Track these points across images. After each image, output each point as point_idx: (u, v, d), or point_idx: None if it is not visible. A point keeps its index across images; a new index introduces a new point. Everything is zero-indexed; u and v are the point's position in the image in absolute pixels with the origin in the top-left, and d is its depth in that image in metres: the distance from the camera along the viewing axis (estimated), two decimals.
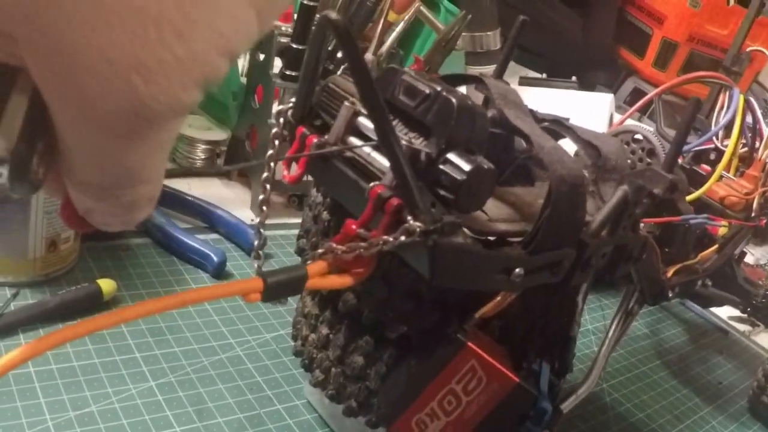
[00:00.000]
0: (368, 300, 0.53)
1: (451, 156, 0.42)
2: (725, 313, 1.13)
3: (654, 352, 0.98)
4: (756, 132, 0.89)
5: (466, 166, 0.42)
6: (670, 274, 0.72)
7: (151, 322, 0.73)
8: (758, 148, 0.88)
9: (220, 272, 0.83)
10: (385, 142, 0.39)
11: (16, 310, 0.68)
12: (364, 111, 0.46)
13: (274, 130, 0.48)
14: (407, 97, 0.45)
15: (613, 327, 0.70)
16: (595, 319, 1.01)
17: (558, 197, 0.46)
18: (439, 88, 0.43)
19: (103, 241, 0.83)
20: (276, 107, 0.94)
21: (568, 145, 0.62)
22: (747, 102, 0.85)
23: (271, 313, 0.80)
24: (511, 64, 0.99)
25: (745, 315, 0.96)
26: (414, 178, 0.39)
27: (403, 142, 0.42)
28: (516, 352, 0.55)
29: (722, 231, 0.86)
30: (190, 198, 0.92)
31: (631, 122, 1.15)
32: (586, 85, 1.38)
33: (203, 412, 0.65)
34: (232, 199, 1.01)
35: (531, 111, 0.64)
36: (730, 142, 0.84)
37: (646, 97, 0.90)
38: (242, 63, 1.05)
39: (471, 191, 0.42)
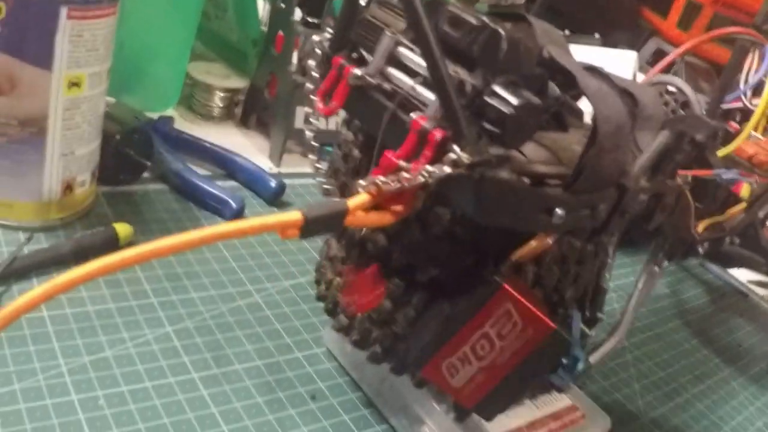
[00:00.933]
0: (400, 241, 0.51)
1: (498, 89, 0.40)
2: (745, 276, 1.12)
3: (675, 311, 0.97)
4: None
5: (514, 100, 0.40)
6: (700, 229, 0.70)
7: (168, 267, 0.72)
8: None
9: (238, 219, 0.81)
10: (433, 68, 0.37)
11: (30, 253, 0.67)
12: (405, 41, 0.44)
13: (311, 61, 0.47)
14: (452, 28, 0.43)
15: (642, 280, 0.68)
16: (615, 277, 0.99)
17: (603, 136, 0.44)
18: (486, 20, 0.42)
19: (119, 185, 0.82)
20: (296, 55, 0.92)
21: None
22: None
23: (290, 261, 0.79)
24: None
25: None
26: (462, 108, 0.37)
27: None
28: (550, 299, 0.53)
29: (745, 192, 0.85)
30: (208, 145, 0.91)
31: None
32: (608, 45, 1.35)
33: (221, 358, 0.64)
34: (250, 148, 0.99)
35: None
36: (762, 101, 0.81)
37: (670, 56, 0.87)
38: (263, 10, 1.02)
39: (518, 126, 0.40)
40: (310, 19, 0.92)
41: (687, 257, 0.69)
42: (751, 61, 0.89)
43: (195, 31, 0.98)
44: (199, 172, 0.85)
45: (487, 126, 0.40)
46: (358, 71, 0.44)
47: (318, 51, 0.46)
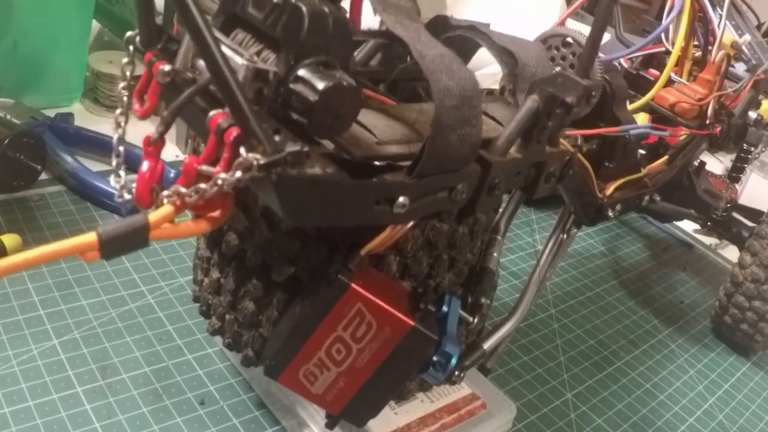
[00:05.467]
0: (250, 240, 0.47)
1: (303, 72, 0.36)
2: (689, 226, 1.08)
3: (610, 271, 0.93)
4: (709, 32, 0.82)
5: (320, 84, 0.35)
6: (610, 190, 0.66)
7: (58, 275, 0.68)
8: (712, 50, 0.81)
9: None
10: (205, 55, 0.33)
11: None
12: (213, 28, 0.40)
13: (125, 59, 0.42)
14: (256, 9, 0.39)
15: (546, 253, 0.65)
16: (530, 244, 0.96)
17: (442, 111, 0.40)
18: None
19: (14, 192, 0.77)
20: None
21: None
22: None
23: (188, 255, 0.75)
24: None
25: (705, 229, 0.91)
26: (248, 102, 0.33)
27: (242, 61, 0.36)
28: (424, 287, 0.50)
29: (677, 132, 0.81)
30: (107, 138, 0.86)
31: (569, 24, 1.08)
32: None
33: (107, 368, 0.60)
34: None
35: (444, 18, 0.58)
36: (676, 43, 0.76)
37: None
38: None
39: (328, 113, 0.36)
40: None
41: (596, 222, 0.65)
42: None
43: (91, 18, 0.93)
44: (95, 170, 0.81)
45: (296, 116, 0.36)
46: (166, 67, 0.39)
47: (129, 47, 0.42)
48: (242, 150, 0.33)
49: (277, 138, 0.34)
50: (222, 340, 0.54)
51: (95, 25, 1.04)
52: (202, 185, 0.35)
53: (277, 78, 0.37)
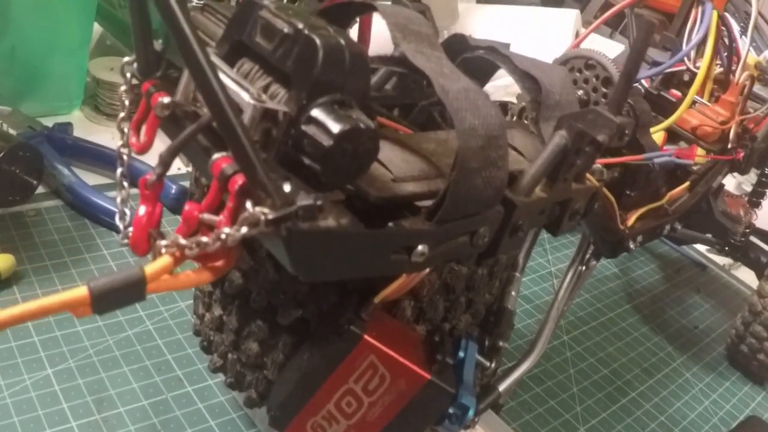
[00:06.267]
0: (255, 280, 0.44)
1: (316, 113, 0.33)
2: (702, 246, 1.05)
3: (623, 294, 0.90)
4: (733, 52, 0.79)
5: (336, 127, 0.32)
6: (632, 221, 0.63)
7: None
8: (735, 70, 0.78)
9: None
10: (209, 101, 0.30)
11: None
12: (216, 57, 0.37)
13: (122, 87, 0.39)
14: (264, 38, 0.35)
15: (564, 286, 0.62)
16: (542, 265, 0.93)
17: (467, 153, 0.37)
18: (300, 25, 0.34)
19: (9, 206, 0.74)
20: None
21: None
22: (721, 18, 0.74)
23: None
24: None
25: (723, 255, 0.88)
26: (254, 148, 0.30)
27: (249, 99, 0.33)
28: (439, 331, 0.47)
29: (700, 158, 0.78)
30: (108, 151, 0.83)
31: (588, 46, 1.06)
32: (553, 1, 1.27)
33: (103, 401, 0.58)
34: (160, 147, 0.91)
35: (462, 38, 0.55)
36: (703, 63, 0.74)
37: (615, 8, 0.80)
38: None
39: (343, 158, 0.33)
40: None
41: (617, 254, 0.62)
42: (695, 18, 0.81)
43: (92, 23, 0.90)
44: (93, 184, 0.78)
45: (308, 162, 0.33)
46: (166, 99, 0.36)
47: (127, 74, 0.39)
48: (248, 203, 0.30)
49: (287, 187, 0.31)
50: (224, 378, 0.52)
51: (97, 28, 1.01)
52: (204, 238, 0.32)
53: (288, 118, 0.34)
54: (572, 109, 0.50)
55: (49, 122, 0.84)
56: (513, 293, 0.53)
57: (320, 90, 0.33)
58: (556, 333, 0.78)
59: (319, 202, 0.31)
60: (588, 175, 0.50)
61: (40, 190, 0.77)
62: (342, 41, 0.34)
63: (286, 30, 0.34)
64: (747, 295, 0.78)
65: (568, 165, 0.45)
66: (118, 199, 0.39)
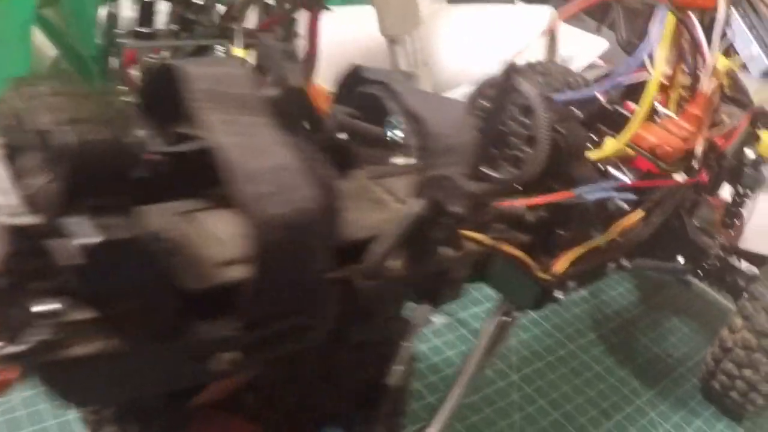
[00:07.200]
0: None
1: (70, 223, 0.28)
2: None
3: (590, 322, 0.83)
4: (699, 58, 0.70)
5: (86, 240, 0.27)
6: (562, 265, 0.56)
7: None
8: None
9: None
10: None
11: None
12: None
13: None
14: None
15: (487, 336, 0.56)
16: None
17: (268, 250, 0.32)
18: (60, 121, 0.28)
19: None
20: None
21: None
22: (682, 21, 0.66)
23: None
24: None
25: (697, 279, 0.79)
26: None
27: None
28: (289, 425, 0.41)
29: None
30: None
31: (571, 42, 0.98)
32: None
33: None
34: None
35: (356, 70, 0.49)
36: (654, 71, 0.66)
37: None
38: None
39: (101, 276, 0.28)
40: (142, 30, 0.79)
41: (541, 306, 0.55)
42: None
43: (29, 52, 0.86)
44: None
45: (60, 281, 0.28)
46: None
47: None
48: None
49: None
50: None
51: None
52: None
53: (30, 233, 0.28)
54: (464, 156, 0.44)
55: None
56: (401, 367, 0.47)
57: (78, 195, 0.28)
58: (504, 372, 0.72)
59: (59, 336, 0.26)
60: (475, 237, 0.44)
61: None
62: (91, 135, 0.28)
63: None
64: (720, 331, 0.71)
65: (425, 240, 0.39)
66: None
